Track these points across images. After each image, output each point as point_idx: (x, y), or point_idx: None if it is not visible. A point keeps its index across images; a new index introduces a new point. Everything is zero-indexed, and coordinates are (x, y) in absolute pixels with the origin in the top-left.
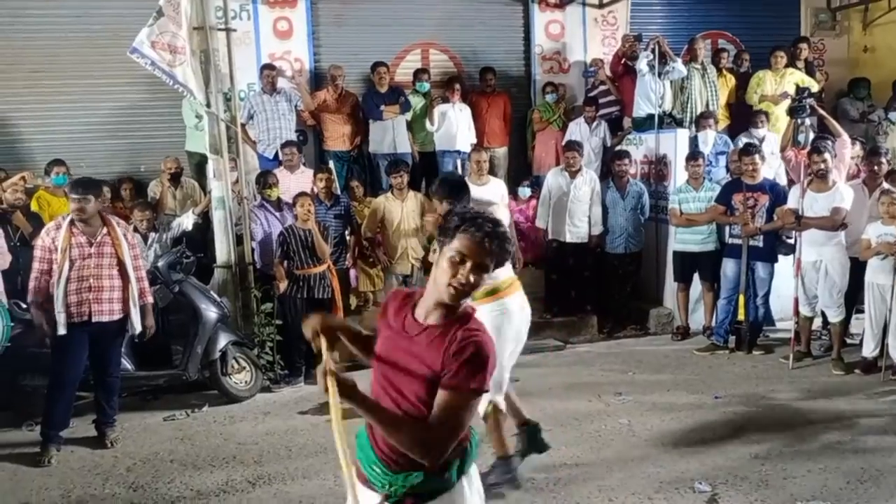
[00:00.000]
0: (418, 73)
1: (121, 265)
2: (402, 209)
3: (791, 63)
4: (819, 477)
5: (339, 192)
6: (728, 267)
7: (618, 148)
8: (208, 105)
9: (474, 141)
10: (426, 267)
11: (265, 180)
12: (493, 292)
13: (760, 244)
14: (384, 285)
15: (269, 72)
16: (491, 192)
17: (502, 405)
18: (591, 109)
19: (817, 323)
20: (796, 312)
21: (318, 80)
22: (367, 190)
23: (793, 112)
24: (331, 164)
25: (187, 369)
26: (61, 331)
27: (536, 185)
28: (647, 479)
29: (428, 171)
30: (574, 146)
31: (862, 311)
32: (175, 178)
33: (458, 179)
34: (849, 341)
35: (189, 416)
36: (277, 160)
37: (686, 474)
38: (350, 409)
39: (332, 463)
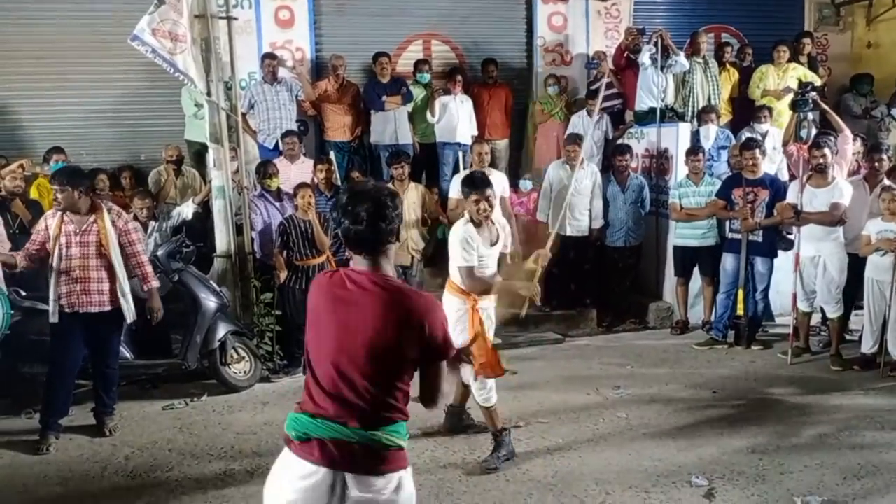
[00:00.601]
0: (419, 64)
1: (107, 254)
2: (403, 200)
3: (794, 58)
4: (816, 472)
5: (339, 182)
6: (727, 262)
7: (619, 141)
8: (209, 94)
9: (475, 133)
10: (425, 258)
11: (265, 170)
12: None
13: (760, 239)
14: None
15: (270, 61)
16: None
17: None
18: (593, 102)
19: (816, 319)
20: (795, 308)
21: (319, 69)
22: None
23: (795, 106)
24: (331, 154)
25: (186, 359)
26: (53, 319)
27: (538, 177)
28: (645, 472)
29: (429, 162)
30: (575, 139)
31: (861, 308)
32: (176, 167)
33: (481, 174)
34: (848, 337)
35: (188, 406)
36: (278, 150)
37: (683, 468)
38: None
39: None
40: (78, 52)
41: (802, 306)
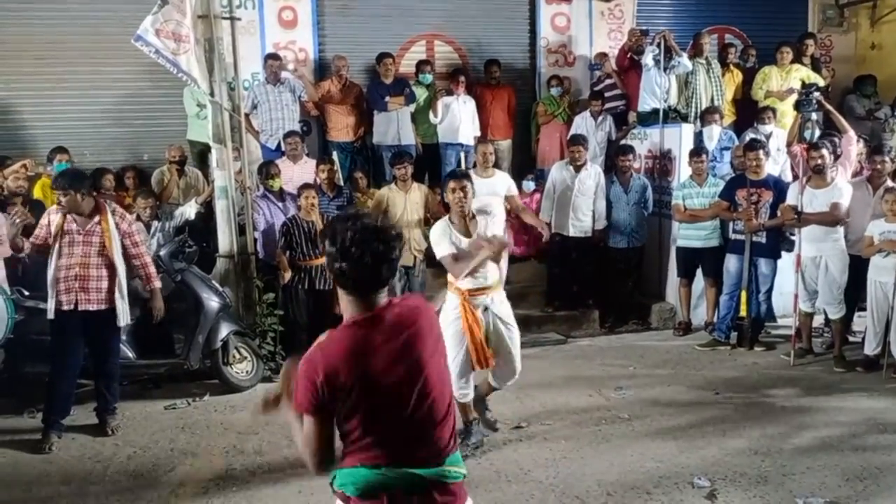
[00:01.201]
0: (421, 65)
1: (109, 255)
2: (406, 201)
3: (797, 59)
4: (818, 474)
5: (341, 183)
6: (731, 263)
7: (622, 142)
8: (212, 94)
9: (478, 134)
10: (428, 258)
11: (267, 171)
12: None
13: (764, 240)
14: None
15: (272, 62)
16: (496, 185)
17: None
18: (597, 103)
19: (819, 320)
20: (797, 308)
21: (322, 70)
22: (370, 181)
23: (799, 107)
24: (334, 155)
25: (188, 358)
26: (50, 315)
27: (540, 178)
28: (647, 473)
29: (431, 163)
30: (579, 140)
31: (864, 309)
32: (179, 167)
33: (462, 171)
34: (851, 339)
35: (190, 406)
36: (280, 150)
37: (685, 469)
38: None
39: None
40: (81, 52)
41: (804, 307)
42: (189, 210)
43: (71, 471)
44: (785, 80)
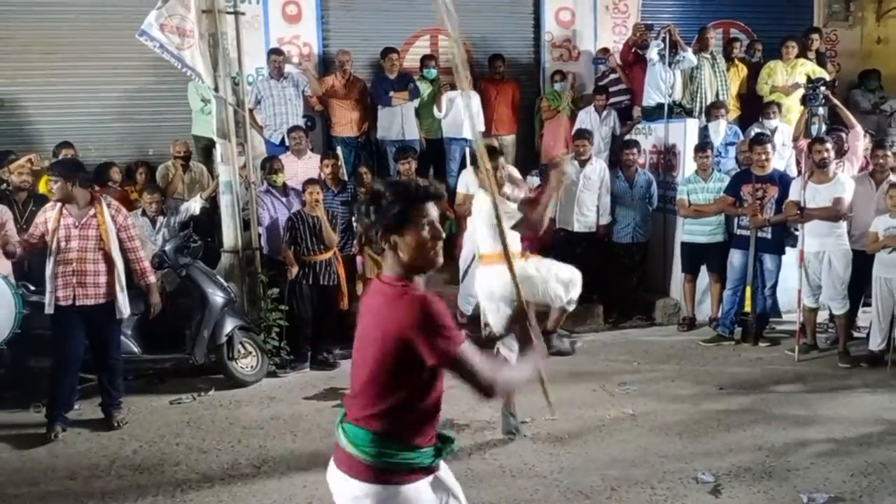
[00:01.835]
0: (425, 60)
1: (106, 248)
2: None
3: (802, 53)
4: (822, 469)
5: (346, 178)
6: (735, 258)
7: (627, 137)
8: (216, 89)
9: (482, 129)
10: None
11: (270, 166)
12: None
13: (769, 236)
14: None
15: (276, 57)
16: None
17: None
18: (601, 98)
19: (824, 316)
20: (801, 304)
21: (326, 65)
22: (374, 176)
23: (806, 101)
24: (338, 150)
25: (194, 353)
26: (48, 310)
27: (545, 173)
28: (651, 469)
29: (435, 158)
30: (584, 134)
31: (869, 305)
32: (184, 162)
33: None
34: (856, 334)
35: (195, 400)
36: (284, 145)
37: (689, 465)
38: None
39: None
40: (86, 47)
41: (808, 302)
42: (194, 205)
43: (77, 465)
44: (790, 74)
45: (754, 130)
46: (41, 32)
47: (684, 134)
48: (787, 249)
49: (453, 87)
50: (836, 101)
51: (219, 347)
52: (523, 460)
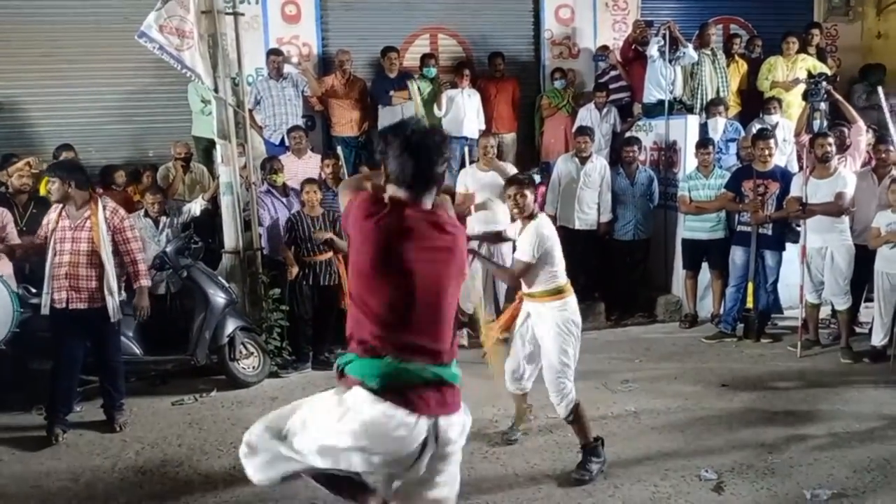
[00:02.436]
0: (425, 58)
1: (97, 250)
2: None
3: (803, 49)
4: (825, 466)
5: (346, 177)
6: (737, 254)
7: (628, 134)
8: (216, 90)
9: (483, 128)
10: None
11: (270, 166)
12: (558, 292)
13: (769, 232)
14: None
15: (275, 57)
16: (498, 177)
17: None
18: (601, 95)
19: (826, 312)
20: (803, 300)
21: (326, 64)
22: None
23: (808, 96)
24: (339, 150)
25: (195, 354)
26: (44, 311)
27: (545, 171)
28: (654, 466)
29: None
30: (585, 131)
31: (871, 300)
32: (185, 163)
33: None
34: (858, 330)
35: (197, 401)
36: (284, 146)
37: (692, 462)
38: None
39: None
40: (86, 49)
41: (810, 298)
42: (195, 206)
43: (79, 467)
44: (791, 70)
45: (755, 126)
46: (41, 34)
47: (685, 130)
48: (788, 245)
49: (454, 85)
50: (837, 96)
51: (220, 348)
52: (526, 458)
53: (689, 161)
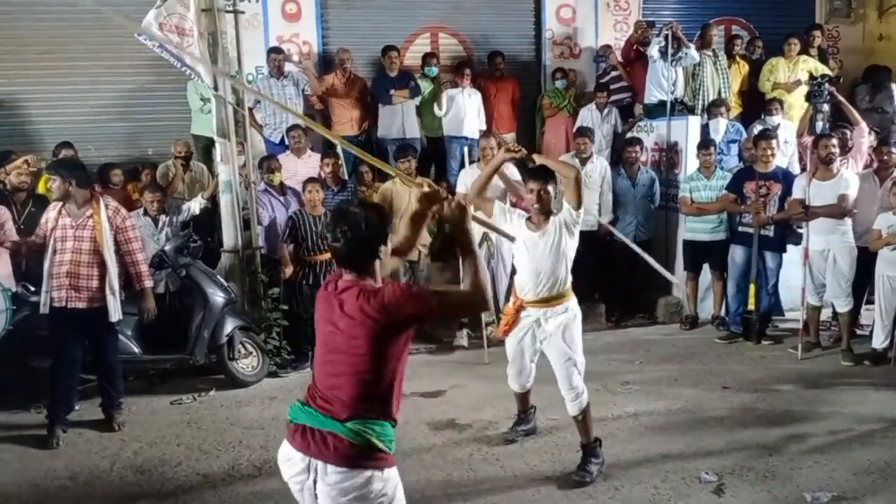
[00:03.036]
0: (427, 58)
1: (99, 249)
2: (410, 195)
3: (804, 50)
4: (826, 468)
5: (346, 177)
6: (737, 253)
7: (629, 135)
8: (216, 88)
9: (483, 127)
10: (432, 253)
11: (267, 165)
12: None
13: (771, 233)
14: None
15: (275, 55)
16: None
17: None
18: (602, 96)
19: (827, 314)
20: (804, 302)
21: (326, 63)
22: (375, 175)
23: (811, 97)
24: (339, 148)
25: (194, 354)
26: (43, 310)
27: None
28: (654, 468)
29: (436, 156)
30: (585, 132)
31: (872, 303)
32: (185, 161)
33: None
34: (858, 332)
35: (196, 401)
36: (283, 144)
37: (692, 464)
38: None
39: None
40: (85, 46)
41: (812, 300)
42: (194, 205)
43: (78, 466)
44: (792, 71)
45: (757, 127)
46: (40, 32)
47: (686, 131)
48: (789, 247)
49: (454, 84)
50: (840, 98)
51: (219, 348)
52: (525, 460)
53: (690, 162)
